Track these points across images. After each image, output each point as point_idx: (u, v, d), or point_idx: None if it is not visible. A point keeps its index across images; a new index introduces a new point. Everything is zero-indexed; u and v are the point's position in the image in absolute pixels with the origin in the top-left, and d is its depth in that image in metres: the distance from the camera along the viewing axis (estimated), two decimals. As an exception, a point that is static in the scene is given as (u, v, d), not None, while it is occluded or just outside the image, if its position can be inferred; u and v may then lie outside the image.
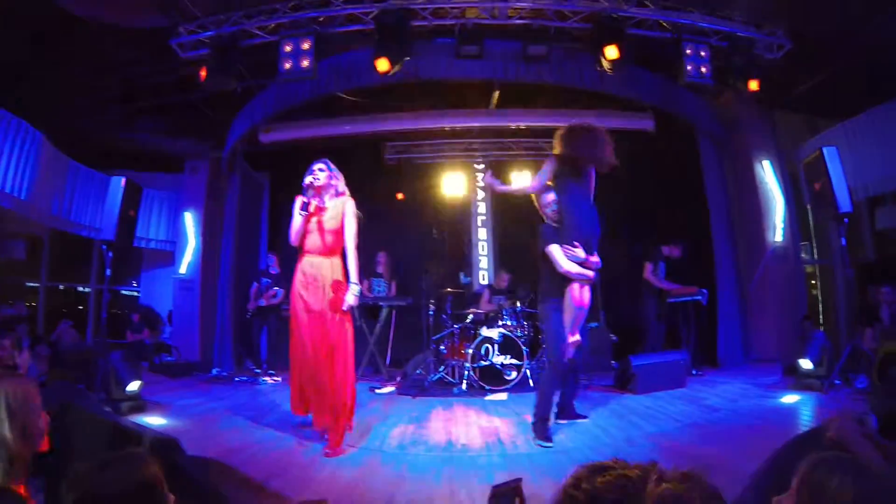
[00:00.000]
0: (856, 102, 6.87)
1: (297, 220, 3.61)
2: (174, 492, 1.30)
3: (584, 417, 4.16)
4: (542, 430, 3.67)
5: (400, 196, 8.62)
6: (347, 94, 6.74)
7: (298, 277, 3.63)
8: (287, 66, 5.60)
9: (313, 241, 3.64)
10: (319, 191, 3.68)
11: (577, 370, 4.14)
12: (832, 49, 6.29)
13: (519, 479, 1.27)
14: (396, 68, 5.52)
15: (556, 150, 3.84)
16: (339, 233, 3.65)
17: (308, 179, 3.63)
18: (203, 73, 5.71)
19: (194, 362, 7.47)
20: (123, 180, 5.46)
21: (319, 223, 3.64)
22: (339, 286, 3.56)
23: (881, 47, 5.93)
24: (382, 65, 5.45)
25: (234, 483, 2.43)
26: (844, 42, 6.11)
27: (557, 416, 4.01)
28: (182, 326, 8.41)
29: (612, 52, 5.48)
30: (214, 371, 6.90)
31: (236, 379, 6.48)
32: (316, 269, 3.60)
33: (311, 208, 3.63)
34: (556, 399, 3.80)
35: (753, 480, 1.77)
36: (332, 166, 3.79)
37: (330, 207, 3.69)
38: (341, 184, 3.78)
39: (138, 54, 6.38)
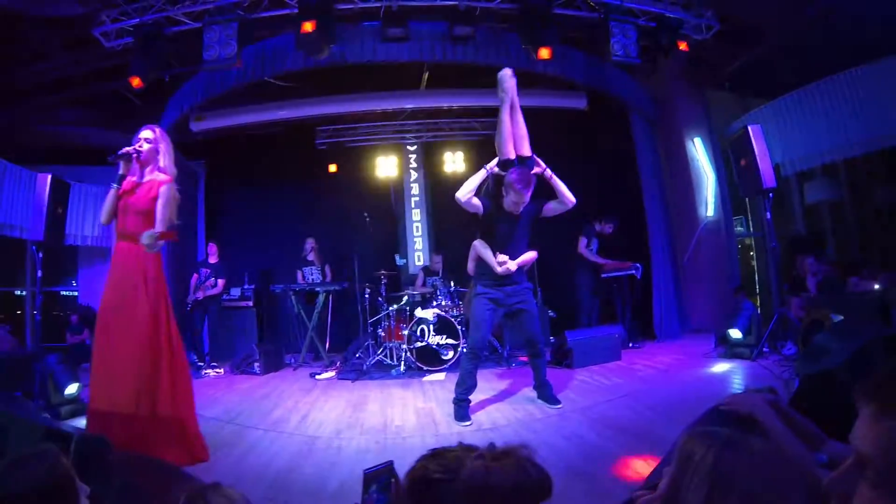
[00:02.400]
0: (786, 81, 7.05)
1: (110, 195, 3.04)
2: (96, 485, 1.32)
3: (558, 404, 3.92)
4: (458, 412, 3.77)
5: (333, 168, 8.51)
6: (278, 79, 6.64)
7: (110, 267, 3.09)
8: (211, 53, 5.48)
9: (122, 223, 3.05)
10: (142, 163, 3.11)
11: (540, 350, 3.99)
12: (762, 30, 6.45)
13: (391, 462, 1.27)
14: (325, 52, 5.47)
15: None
16: (151, 216, 3.04)
17: (127, 149, 3.04)
18: (135, 82, 5.56)
19: (136, 360, 7.28)
20: (49, 177, 5.29)
21: (128, 202, 3.04)
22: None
23: (810, 29, 6.10)
24: (307, 26, 5.28)
25: (162, 475, 2.41)
26: (774, 23, 6.28)
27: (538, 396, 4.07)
28: (124, 324, 8.16)
29: (544, 53, 5.60)
30: (156, 367, 6.71)
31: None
32: (122, 259, 3.03)
33: (123, 182, 3.05)
34: (472, 382, 3.85)
35: (668, 452, 1.81)
36: (162, 134, 3.19)
37: (144, 184, 3.09)
38: (165, 158, 3.15)
39: (58, 43, 6.13)
